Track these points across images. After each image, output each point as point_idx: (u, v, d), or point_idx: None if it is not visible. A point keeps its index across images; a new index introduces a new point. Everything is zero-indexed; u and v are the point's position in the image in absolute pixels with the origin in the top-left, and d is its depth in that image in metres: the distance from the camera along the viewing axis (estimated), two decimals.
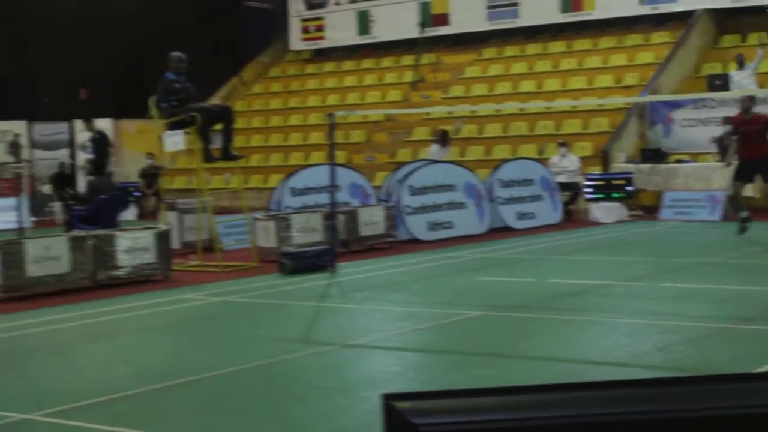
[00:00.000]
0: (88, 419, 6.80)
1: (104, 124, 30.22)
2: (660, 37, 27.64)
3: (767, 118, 16.56)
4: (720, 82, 22.67)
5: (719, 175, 21.03)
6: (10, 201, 23.93)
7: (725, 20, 27.15)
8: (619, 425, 1.90)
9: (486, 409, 1.93)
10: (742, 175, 16.54)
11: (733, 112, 22.58)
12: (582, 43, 28.93)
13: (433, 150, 21.54)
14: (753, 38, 25.28)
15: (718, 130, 22.30)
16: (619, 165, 22.68)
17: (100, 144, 18.78)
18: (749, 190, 20.66)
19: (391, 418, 1.90)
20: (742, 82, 22.20)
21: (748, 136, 16.27)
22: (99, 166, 16.82)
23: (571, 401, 1.95)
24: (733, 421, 1.90)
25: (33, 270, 12.71)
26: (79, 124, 29.38)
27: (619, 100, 24.62)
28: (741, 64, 22.55)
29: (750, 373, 1.83)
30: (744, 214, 16.47)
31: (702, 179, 21.29)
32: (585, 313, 10.52)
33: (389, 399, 1.92)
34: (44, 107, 30.89)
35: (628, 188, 21.05)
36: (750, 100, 16.75)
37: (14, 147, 28.60)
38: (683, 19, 26.98)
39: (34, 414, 6.96)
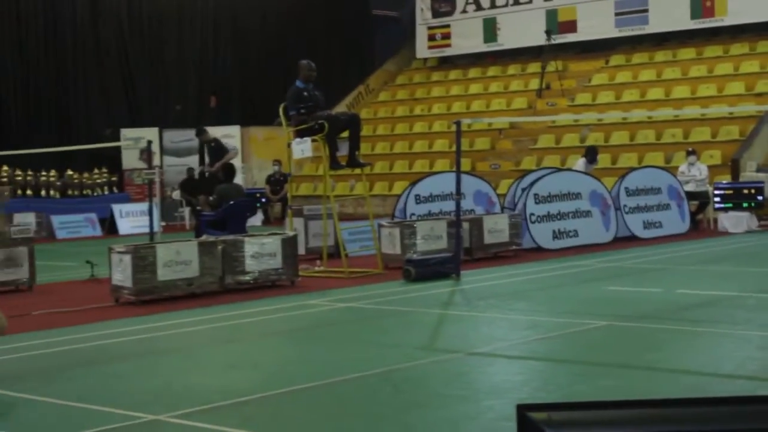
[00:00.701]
0: (216, 421, 6.90)
1: (232, 131, 30.82)
2: None
3: None
4: None
5: None
6: (142, 206, 24.50)
7: None
8: None
9: (619, 422, 1.91)
10: None
11: None
12: (712, 50, 28.44)
13: (580, 164, 21.36)
14: None
15: None
16: (749, 174, 22.22)
17: (217, 152, 19.09)
18: None
19: (525, 429, 1.89)
20: None
21: None
22: (228, 172, 17.07)
23: (702, 416, 1.92)
24: None
25: (163, 274, 12.96)
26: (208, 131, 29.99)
27: (750, 108, 24.12)
28: None
29: None
30: None
31: None
32: (714, 325, 10.32)
33: (523, 409, 1.91)
34: (175, 115, 31.54)
35: (759, 197, 20.60)
36: None
37: (146, 153, 29.28)
38: None
39: (164, 415, 7.09)
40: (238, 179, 22.72)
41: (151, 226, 17.43)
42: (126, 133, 28.85)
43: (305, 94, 15.35)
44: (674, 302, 11.74)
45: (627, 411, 1.92)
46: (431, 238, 16.22)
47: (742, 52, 27.80)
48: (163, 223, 25.21)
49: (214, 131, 29.87)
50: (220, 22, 33.34)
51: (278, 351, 10.00)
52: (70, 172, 28.75)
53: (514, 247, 17.41)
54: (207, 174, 19.08)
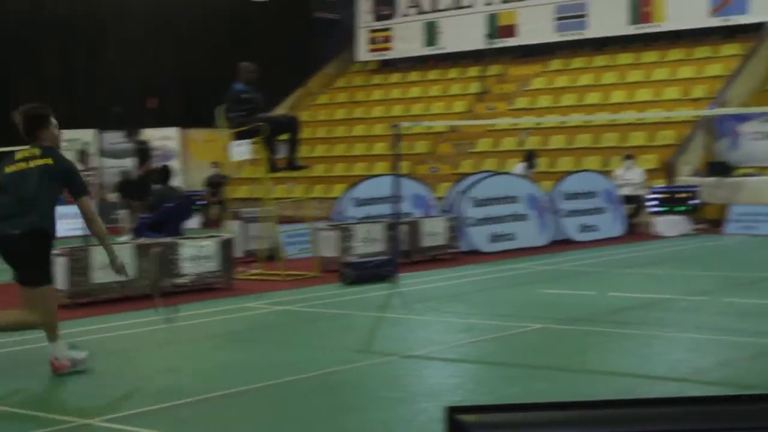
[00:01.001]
0: (151, 425, 6.87)
1: (172, 132, 30.64)
2: (729, 49, 27.38)
3: None
4: None
5: None
6: (77, 208, 24.24)
7: None
8: None
9: (547, 423, 1.94)
10: None
11: None
12: (650, 55, 28.74)
13: (519, 168, 21.48)
14: None
15: None
16: (684, 178, 22.49)
17: (143, 154, 19.03)
18: None
19: (453, 431, 1.91)
20: None
21: None
22: (165, 174, 16.97)
23: (630, 417, 1.95)
24: None
25: (98, 276, 12.86)
26: (147, 132, 29.78)
27: (686, 113, 24.42)
28: None
29: None
30: None
31: None
32: (647, 328, 10.43)
33: (452, 412, 1.93)
34: (114, 116, 31.29)
35: (693, 201, 20.86)
36: None
37: (83, 155, 29.01)
38: (754, 31, 26.70)
39: (97, 419, 7.04)
40: (177, 181, 22.59)
41: (86, 228, 17.25)
42: (64, 134, 28.55)
43: (245, 96, 15.30)
44: (608, 305, 11.86)
45: (555, 413, 1.95)
46: (369, 241, 16.24)
47: (679, 57, 28.12)
48: None
49: (154, 133, 29.74)
50: (160, 23, 33.13)
51: (215, 354, 9.96)
52: None
53: (451, 250, 17.47)
54: (137, 176, 18.98)
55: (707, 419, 1.91)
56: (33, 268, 8.27)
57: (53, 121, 8.50)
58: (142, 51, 32.85)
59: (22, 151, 8.37)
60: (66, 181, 8.34)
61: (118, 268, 8.68)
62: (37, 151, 8.22)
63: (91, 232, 8.64)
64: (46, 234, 8.25)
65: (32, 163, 8.18)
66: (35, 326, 8.43)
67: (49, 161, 8.21)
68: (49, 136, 8.43)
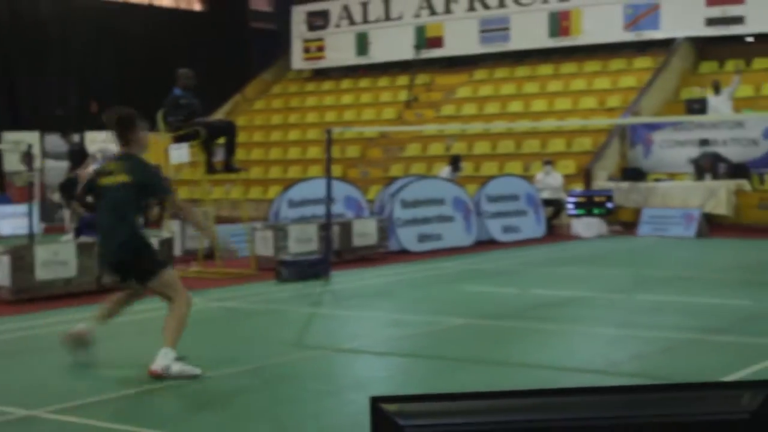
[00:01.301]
0: (89, 416, 6.78)
1: (113, 136, 30.28)
2: (642, 62, 27.69)
3: None
4: (698, 106, 22.69)
5: (695, 194, 21.08)
6: (22, 208, 23.89)
7: (704, 47, 27.20)
8: (592, 429, 1.89)
9: (468, 412, 1.93)
10: None
11: (709, 134, 22.69)
12: (568, 67, 28.97)
13: (445, 172, 21.50)
14: (730, 65, 25.36)
15: (695, 152, 22.34)
16: (600, 183, 22.70)
17: (77, 156, 18.86)
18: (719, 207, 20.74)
19: (378, 420, 1.90)
20: (719, 106, 22.22)
21: None
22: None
23: (548, 406, 1.95)
24: (700, 427, 1.90)
25: (41, 274, 12.69)
26: (89, 135, 29.42)
27: (602, 122, 24.64)
28: (717, 89, 22.60)
29: (717, 382, 1.84)
30: None
31: (678, 197, 21.32)
32: (565, 323, 10.52)
33: (377, 401, 1.91)
34: (57, 119, 30.88)
35: (609, 205, 21.06)
36: None
37: (27, 157, 28.57)
38: (665, 45, 27.03)
39: (39, 410, 6.94)
40: None
41: (30, 227, 17.03)
42: (6, 136, 28.12)
43: (183, 101, 15.18)
44: (529, 302, 11.93)
45: (476, 402, 1.93)
46: (303, 241, 16.18)
47: (595, 69, 28.37)
48: (44, 225, 24.67)
49: (96, 136, 29.38)
50: (103, 29, 32.75)
51: (153, 348, 9.85)
52: None
53: (381, 250, 17.47)
54: (71, 178, 18.76)
55: (620, 407, 1.91)
56: (142, 269, 8.18)
57: (141, 123, 8.41)
58: (85, 55, 32.44)
59: (111, 162, 8.36)
60: (145, 194, 8.31)
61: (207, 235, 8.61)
62: (120, 165, 8.15)
63: (187, 220, 8.60)
64: (138, 242, 8.17)
65: (118, 178, 8.11)
66: (188, 308, 8.24)
67: (127, 179, 8.08)
68: (136, 140, 8.34)
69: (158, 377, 7.70)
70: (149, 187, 8.22)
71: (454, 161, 21.79)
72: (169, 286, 8.13)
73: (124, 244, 8.03)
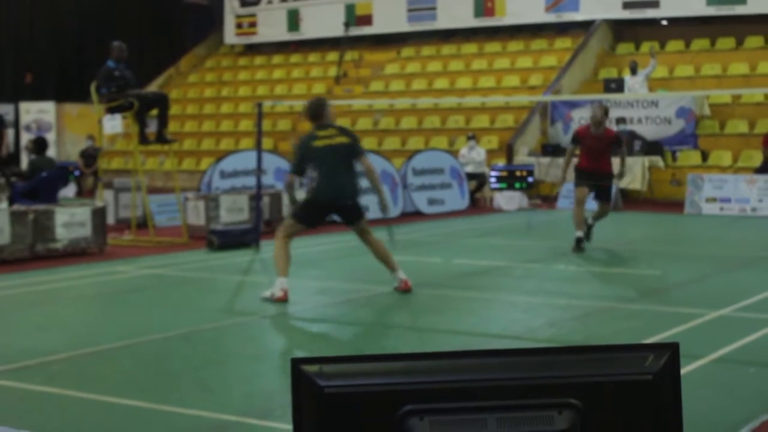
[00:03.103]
0: (22, 380, 6.69)
1: (47, 106, 29.83)
2: (563, 42, 27.89)
3: (614, 134, 14.06)
4: (615, 86, 22.95)
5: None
6: None
7: (622, 29, 27.48)
8: (507, 389, 1.91)
9: (386, 373, 1.93)
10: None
11: (626, 113, 22.95)
12: (492, 46, 29.08)
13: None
14: (646, 47, 25.64)
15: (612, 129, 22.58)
16: (522, 158, 22.86)
17: None
18: (634, 183, 21.01)
19: (299, 381, 1.89)
20: (635, 86, 22.49)
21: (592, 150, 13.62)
22: (41, 145, 16.49)
23: (465, 367, 1.95)
24: (610, 386, 1.93)
25: None
26: (23, 105, 28.97)
27: (524, 99, 24.82)
28: (634, 70, 22.84)
29: (624, 345, 1.87)
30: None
31: None
32: (486, 292, 10.60)
33: (297, 363, 1.90)
34: None
35: (530, 179, 21.23)
36: (604, 112, 13.88)
37: None
38: (584, 27, 27.25)
39: None
40: (52, 153, 22.02)
41: None
42: None
43: (116, 73, 14.97)
44: (452, 271, 11.99)
45: (395, 363, 1.94)
46: (234, 211, 16.09)
47: (518, 49, 28.50)
48: None
49: (30, 106, 28.91)
50: (37, 1, 32.14)
51: (86, 314, 9.76)
52: None
53: None
54: None
55: (534, 368, 1.93)
56: (360, 216, 10.07)
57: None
58: (19, 27, 31.81)
59: (320, 131, 9.79)
60: (354, 152, 9.81)
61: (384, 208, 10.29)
62: (335, 131, 9.83)
63: (370, 181, 10.00)
64: (359, 189, 9.98)
65: (338, 140, 9.74)
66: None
67: (346, 140, 9.80)
68: (329, 115, 9.94)
69: None
70: (357, 147, 9.86)
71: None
72: (367, 227, 10.10)
73: (356, 190, 9.80)
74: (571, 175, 14.17)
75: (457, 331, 8.45)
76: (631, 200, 20.75)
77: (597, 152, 13.54)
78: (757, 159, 20.76)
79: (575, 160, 14.07)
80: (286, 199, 15.35)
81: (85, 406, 6.15)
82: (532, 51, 28.24)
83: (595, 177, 13.62)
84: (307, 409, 1.87)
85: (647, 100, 22.77)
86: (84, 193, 24.95)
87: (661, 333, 7.99)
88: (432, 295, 10.33)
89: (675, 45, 26.07)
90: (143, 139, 15.32)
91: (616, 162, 14.17)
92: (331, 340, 8.27)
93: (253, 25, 33.67)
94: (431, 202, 20.35)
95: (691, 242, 15.38)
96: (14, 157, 27.10)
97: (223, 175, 18.07)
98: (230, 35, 34.23)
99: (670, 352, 1.91)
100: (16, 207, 13.75)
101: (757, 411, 5.81)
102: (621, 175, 14.17)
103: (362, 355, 1.96)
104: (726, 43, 25.35)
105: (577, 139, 13.79)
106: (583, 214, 13.76)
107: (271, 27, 33.18)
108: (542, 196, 22.03)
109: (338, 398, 1.86)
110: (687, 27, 26.08)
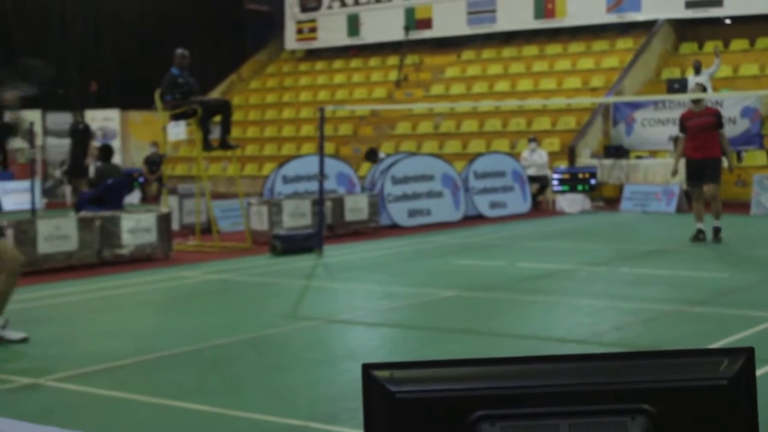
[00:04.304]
0: (92, 384, 6.78)
1: (112, 114, 30.22)
2: (624, 43, 27.66)
3: (715, 111, 14.52)
4: (678, 86, 22.71)
5: None
6: (25, 184, 23.84)
7: (685, 29, 27.19)
8: (576, 395, 1.90)
9: (457, 378, 1.93)
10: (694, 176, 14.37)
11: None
12: (553, 48, 28.93)
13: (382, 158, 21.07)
14: (709, 46, 25.34)
15: (675, 130, 22.34)
16: (584, 160, 22.71)
17: (82, 134, 18.89)
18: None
19: (370, 386, 1.89)
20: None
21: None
22: (107, 153, 16.72)
23: (534, 372, 1.94)
24: (683, 392, 1.90)
25: (44, 247, 12.66)
26: (89, 113, 29.35)
27: (585, 101, 24.64)
28: (698, 70, 22.58)
29: (696, 349, 1.85)
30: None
31: (659, 174, 21.34)
32: (550, 295, 10.54)
33: (369, 368, 1.91)
34: (59, 98, 30.76)
35: (592, 181, 21.08)
36: (703, 90, 14.98)
37: (30, 134, 28.46)
38: (646, 27, 27.00)
39: (42, 378, 6.94)
40: (117, 160, 22.27)
41: (33, 202, 17.00)
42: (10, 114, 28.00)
43: (180, 80, 15.13)
44: (515, 274, 11.95)
45: (465, 368, 1.93)
46: (296, 216, 16.17)
47: (579, 50, 28.33)
48: (46, 200, 24.62)
49: (95, 114, 29.30)
50: (101, 10, 32.59)
51: (152, 319, 9.87)
52: None
53: (372, 225, 17.48)
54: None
55: (602, 374, 1.91)
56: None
57: None
58: (84, 36, 32.29)
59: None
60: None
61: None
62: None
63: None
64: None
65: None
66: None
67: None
68: None
69: None
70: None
71: (371, 153, 21.29)
72: None
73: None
74: (682, 167, 14.74)
75: (522, 335, 8.40)
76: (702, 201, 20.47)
77: (701, 133, 13.98)
78: None
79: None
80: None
81: (152, 410, 6.21)
82: (594, 52, 28.04)
83: (703, 169, 14.11)
84: (378, 415, 1.87)
85: (711, 99, 22.48)
86: (148, 200, 25.25)
87: (728, 337, 7.89)
88: (495, 299, 10.30)
89: (739, 44, 25.72)
90: (207, 146, 15.46)
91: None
92: (397, 344, 8.27)
93: (313, 30, 33.84)
94: (493, 205, 20.29)
95: (758, 244, 15.15)
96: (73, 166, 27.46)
97: (286, 180, 18.17)
98: (291, 41, 34.43)
99: (745, 356, 1.88)
100: (83, 214, 13.94)
101: None
102: (730, 168, 14.97)
103: (433, 360, 1.95)
104: None
105: (683, 123, 14.31)
106: (702, 209, 14.50)
107: (332, 32, 33.32)
108: (605, 199, 21.87)
109: (409, 404, 1.86)
110: (751, 25, 25.72)
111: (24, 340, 8.23)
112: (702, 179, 14.19)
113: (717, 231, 14.59)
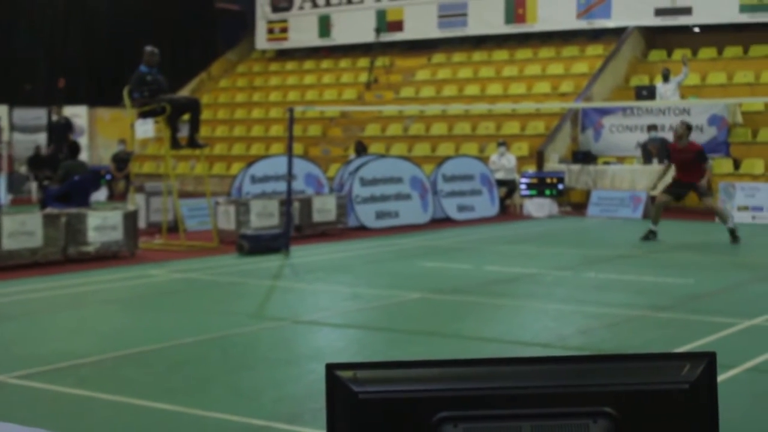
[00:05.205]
0: (54, 382, 6.73)
1: (80, 110, 30.04)
2: (594, 49, 27.80)
3: (698, 148, 15.55)
4: (646, 93, 22.84)
5: (642, 177, 21.23)
6: None
7: (654, 37, 27.36)
8: (539, 397, 1.90)
9: (421, 379, 1.93)
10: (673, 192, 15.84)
11: (657, 120, 22.80)
12: (523, 53, 29.02)
13: (352, 158, 21.21)
14: (678, 54, 25.51)
15: (643, 137, 22.48)
16: (552, 165, 22.79)
17: (66, 129, 18.76)
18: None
19: (333, 386, 1.89)
20: (666, 94, 22.37)
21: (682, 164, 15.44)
22: (73, 149, 16.60)
23: (498, 374, 1.94)
24: (645, 396, 1.91)
25: (8, 243, 12.56)
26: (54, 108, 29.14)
27: (554, 106, 24.73)
28: (666, 77, 22.72)
29: (659, 354, 1.86)
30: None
31: (626, 180, 21.46)
32: (516, 299, 10.57)
33: (332, 368, 1.90)
34: (25, 93, 30.55)
35: (560, 186, 21.16)
36: (686, 128, 15.42)
37: None
38: (616, 34, 27.15)
39: (4, 376, 6.88)
40: (84, 157, 22.16)
41: None
42: None
43: (149, 78, 15.05)
44: (482, 278, 11.97)
45: (428, 369, 1.93)
46: (264, 216, 16.13)
47: (549, 56, 28.43)
48: (11, 196, 24.43)
49: (62, 111, 29.07)
50: (71, 5, 32.39)
51: (117, 317, 9.81)
52: None
53: (340, 226, 17.46)
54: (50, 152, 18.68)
55: (565, 376, 1.92)
56: None
57: None
58: (53, 32, 32.09)
59: None
60: None
61: None
62: None
63: None
64: None
65: None
66: None
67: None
68: None
69: None
70: None
71: (359, 146, 21.34)
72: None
73: None
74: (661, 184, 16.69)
75: (487, 338, 8.42)
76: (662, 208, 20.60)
77: (684, 165, 15.33)
78: None
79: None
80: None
81: (116, 408, 6.18)
82: (564, 58, 28.16)
83: (688, 189, 15.58)
84: (341, 415, 1.87)
85: (679, 107, 22.63)
86: (115, 197, 25.11)
87: (693, 342, 7.94)
88: (462, 302, 10.31)
89: (707, 52, 25.91)
90: (175, 144, 15.39)
91: None
92: (363, 345, 8.27)
93: (284, 30, 33.79)
94: (461, 208, 20.33)
95: (723, 251, 15.27)
96: (50, 160, 27.29)
97: (254, 180, 18.12)
98: (262, 41, 34.36)
99: (707, 361, 1.89)
100: (49, 210, 13.84)
101: None
102: (703, 189, 15.39)
103: (397, 361, 1.95)
104: (759, 50, 25.16)
105: (669, 153, 16.17)
106: (658, 215, 15.74)
107: (303, 33, 33.28)
108: (572, 204, 21.96)
109: (372, 404, 1.86)
110: (719, 34, 25.92)
111: None
112: (681, 196, 16.06)
113: (731, 233, 15.38)
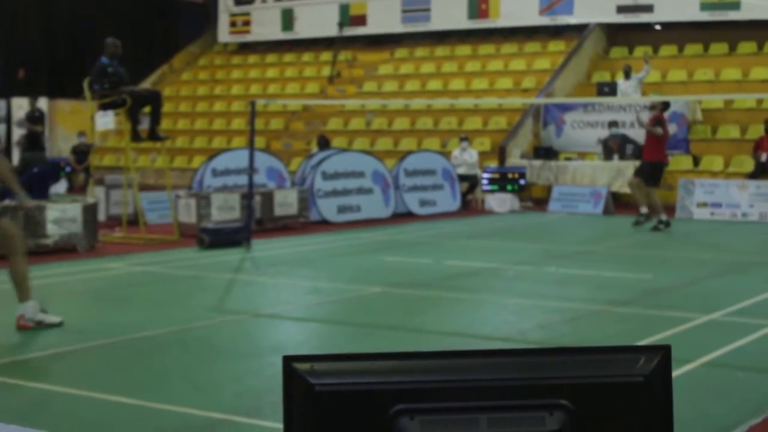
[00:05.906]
0: (11, 375, 6.67)
1: (39, 102, 29.77)
2: (556, 45, 27.92)
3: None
4: (608, 89, 22.98)
5: (603, 173, 21.35)
6: None
7: (615, 34, 27.52)
8: (497, 389, 1.91)
9: (378, 371, 1.93)
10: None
11: (618, 116, 22.95)
12: (486, 48, 29.09)
13: (314, 153, 21.16)
14: (639, 51, 25.68)
15: (604, 133, 22.61)
16: (514, 160, 22.87)
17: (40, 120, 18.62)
18: (625, 186, 21.04)
19: (290, 378, 1.89)
20: (628, 90, 22.52)
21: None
22: (33, 141, 16.49)
23: (456, 367, 1.95)
24: (601, 388, 1.93)
25: None
26: (15, 101, 28.91)
27: (517, 101, 24.83)
28: (627, 74, 22.86)
29: (615, 347, 1.87)
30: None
31: (587, 176, 21.58)
32: (477, 293, 10.60)
33: (289, 360, 1.90)
34: None
35: (521, 182, 21.24)
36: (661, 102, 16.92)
37: None
38: (578, 30, 27.28)
39: None
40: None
41: None
42: None
43: (110, 70, 14.95)
44: (442, 272, 12.00)
45: (386, 362, 1.94)
46: (225, 209, 16.08)
47: (512, 51, 28.52)
48: None
49: (22, 102, 28.85)
50: None
51: (75, 310, 9.73)
52: None
53: (302, 220, 17.43)
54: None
55: (523, 369, 1.93)
56: None
57: None
58: (12, 23, 31.77)
59: None
60: None
61: None
62: None
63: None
64: None
65: None
66: None
67: None
68: None
69: None
70: None
71: (322, 141, 21.32)
72: None
73: None
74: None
75: (447, 332, 8.44)
76: (622, 204, 20.77)
77: (649, 141, 16.91)
78: (749, 164, 20.80)
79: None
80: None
81: (75, 402, 6.13)
82: (526, 53, 28.26)
83: (642, 165, 17.30)
84: (298, 407, 1.87)
85: (640, 104, 22.79)
86: (75, 190, 24.91)
87: (651, 336, 8.00)
88: (422, 296, 10.33)
89: (668, 50, 26.11)
90: (135, 136, 15.30)
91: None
92: (323, 339, 8.26)
93: (247, 23, 33.67)
94: (423, 203, 20.36)
95: (682, 246, 15.40)
96: (6, 152, 27.04)
97: (215, 173, 18.06)
98: (224, 33, 34.22)
99: (662, 354, 1.91)
100: (7, 202, 13.71)
101: (746, 415, 5.82)
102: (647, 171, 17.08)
103: (354, 353, 1.95)
104: (719, 48, 25.40)
105: (662, 124, 16.77)
106: (640, 196, 17.09)
107: (265, 26, 33.18)
108: (534, 199, 22.06)
109: (329, 396, 1.86)
110: (680, 32, 26.12)
111: (61, 324, 8.34)
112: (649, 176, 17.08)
113: (664, 223, 16.73)
